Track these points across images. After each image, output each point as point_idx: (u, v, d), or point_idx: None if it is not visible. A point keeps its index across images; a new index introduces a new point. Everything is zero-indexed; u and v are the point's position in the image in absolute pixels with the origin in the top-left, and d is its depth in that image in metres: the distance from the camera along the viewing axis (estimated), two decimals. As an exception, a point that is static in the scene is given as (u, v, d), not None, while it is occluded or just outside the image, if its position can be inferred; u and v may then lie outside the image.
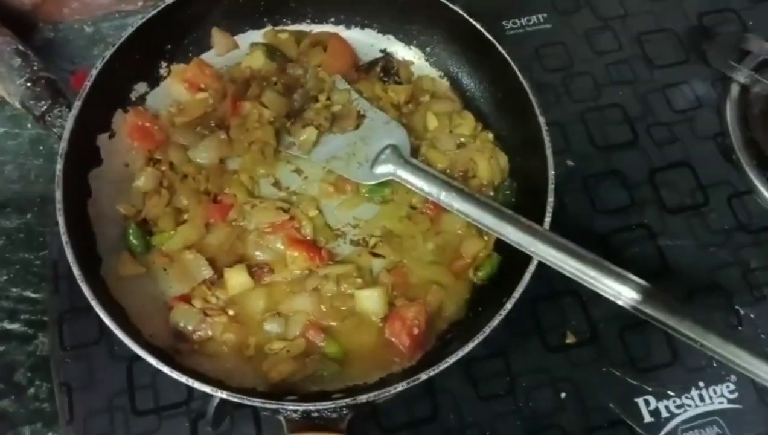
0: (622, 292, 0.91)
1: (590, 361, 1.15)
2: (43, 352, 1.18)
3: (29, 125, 1.35)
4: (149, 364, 0.90)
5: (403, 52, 1.28)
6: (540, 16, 1.45)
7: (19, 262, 1.25)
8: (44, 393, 1.16)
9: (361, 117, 1.16)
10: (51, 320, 1.13)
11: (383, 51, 1.28)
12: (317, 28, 1.27)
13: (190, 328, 1.01)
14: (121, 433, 1.07)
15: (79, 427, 1.07)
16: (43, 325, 1.19)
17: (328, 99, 1.17)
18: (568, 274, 0.95)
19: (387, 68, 1.25)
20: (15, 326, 1.21)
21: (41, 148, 1.35)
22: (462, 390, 1.11)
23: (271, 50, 1.22)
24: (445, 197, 1.04)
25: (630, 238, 1.25)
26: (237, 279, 1.04)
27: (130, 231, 1.06)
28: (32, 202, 1.30)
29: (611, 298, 0.93)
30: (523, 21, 1.44)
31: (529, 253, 0.97)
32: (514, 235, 0.98)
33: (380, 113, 1.17)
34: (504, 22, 1.42)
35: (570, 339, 1.16)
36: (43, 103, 1.20)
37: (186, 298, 1.03)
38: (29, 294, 1.23)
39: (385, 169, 1.10)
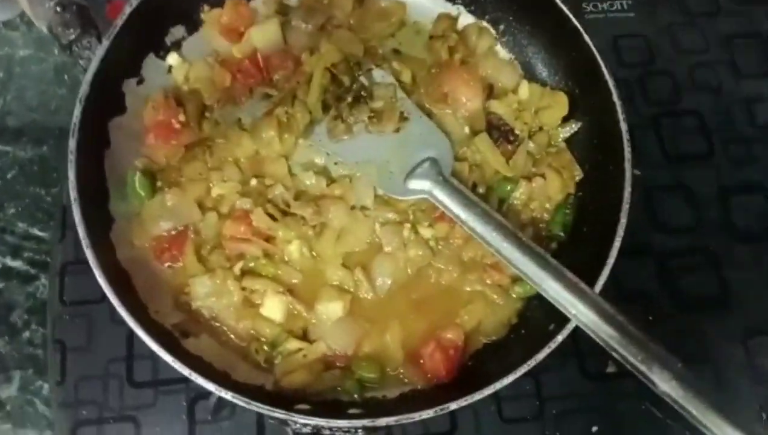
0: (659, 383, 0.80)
1: (629, 394, 1.05)
2: (43, 296, 1.13)
3: (56, 51, 1.29)
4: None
5: (472, 25, 1.15)
6: (623, 2, 1.32)
7: (29, 195, 1.20)
8: (39, 338, 1.11)
9: (403, 119, 1.03)
10: (53, 271, 1.05)
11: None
12: (381, -14, 1.14)
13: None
14: (114, 403, 1.00)
15: (69, 390, 1.01)
16: (47, 266, 1.13)
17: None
18: (603, 345, 0.82)
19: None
20: (17, 264, 1.16)
21: (66, 77, 1.28)
22: (484, 409, 1.03)
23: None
24: (482, 231, 0.90)
25: (690, 263, 1.15)
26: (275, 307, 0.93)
27: (136, 180, 0.94)
28: (50, 134, 1.24)
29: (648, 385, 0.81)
30: (605, 5, 1.31)
31: (568, 314, 0.83)
32: (554, 291, 0.84)
33: (425, 119, 1.04)
34: (584, 4, 1.30)
35: (611, 368, 1.06)
36: (72, 31, 1.11)
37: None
38: (36, 231, 1.18)
39: (419, 185, 0.97)
